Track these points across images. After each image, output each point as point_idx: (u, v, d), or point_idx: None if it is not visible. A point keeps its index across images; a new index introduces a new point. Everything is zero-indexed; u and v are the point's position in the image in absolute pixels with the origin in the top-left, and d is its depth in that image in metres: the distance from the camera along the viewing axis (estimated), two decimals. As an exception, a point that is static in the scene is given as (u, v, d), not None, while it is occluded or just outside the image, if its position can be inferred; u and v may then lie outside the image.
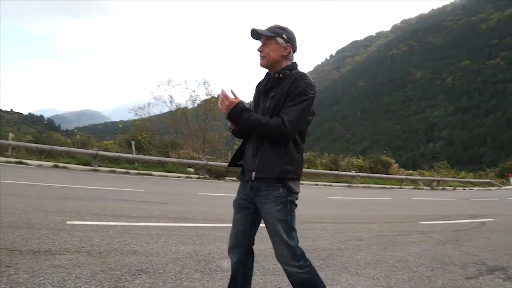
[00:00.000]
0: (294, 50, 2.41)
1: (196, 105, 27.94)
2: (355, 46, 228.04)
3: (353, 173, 21.78)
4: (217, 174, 17.24)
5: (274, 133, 2.18)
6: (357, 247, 5.30)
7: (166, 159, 17.28)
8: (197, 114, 27.49)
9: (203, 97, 27.53)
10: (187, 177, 16.22)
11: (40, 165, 14.05)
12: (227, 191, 12.13)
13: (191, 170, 17.65)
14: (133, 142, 17.72)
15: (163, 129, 26.44)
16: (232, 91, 2.26)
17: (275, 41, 2.34)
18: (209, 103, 26.70)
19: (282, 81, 2.31)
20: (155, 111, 27.28)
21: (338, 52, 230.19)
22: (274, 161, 2.24)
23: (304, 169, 20.94)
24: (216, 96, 26.99)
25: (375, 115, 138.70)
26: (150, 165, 17.02)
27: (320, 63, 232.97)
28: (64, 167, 14.40)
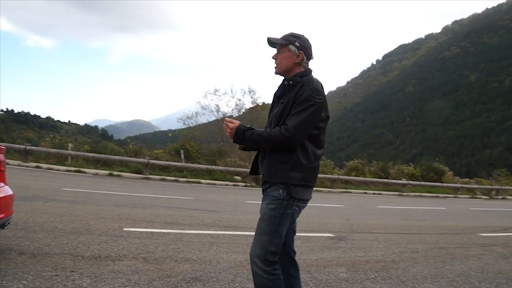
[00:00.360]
0: (309, 58, 2.41)
1: (241, 113, 28.26)
2: (403, 50, 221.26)
3: (403, 181, 21.00)
4: (264, 182, 17.25)
5: (277, 142, 2.22)
6: (412, 260, 5.09)
7: (214, 167, 17.59)
8: (243, 122, 27.74)
9: (249, 105, 27.80)
10: (234, 185, 16.40)
11: (96, 173, 14.77)
12: (275, 199, 12.15)
13: (238, 178, 17.83)
14: (182, 151, 18.21)
15: (210, 137, 26.97)
16: (230, 119, 2.37)
17: (288, 49, 2.36)
18: (254, 111, 26.91)
19: (292, 88, 2.33)
20: (202, 120, 27.90)
21: (385, 56, 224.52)
22: (278, 167, 2.28)
23: (351, 177, 20.68)
24: (261, 104, 27.19)
25: (425, 120, 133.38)
26: (199, 173, 17.39)
27: (366, 69, 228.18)
28: (118, 175, 15.04)
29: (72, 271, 3.41)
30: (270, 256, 2.24)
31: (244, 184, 16.77)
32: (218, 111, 27.37)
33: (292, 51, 2.36)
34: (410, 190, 21.03)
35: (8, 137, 19.00)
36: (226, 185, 16.19)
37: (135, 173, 15.92)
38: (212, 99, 27.28)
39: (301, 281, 2.57)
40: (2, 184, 3.57)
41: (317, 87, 2.28)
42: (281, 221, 2.27)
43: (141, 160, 16.32)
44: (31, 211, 5.83)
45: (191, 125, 26.82)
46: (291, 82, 2.35)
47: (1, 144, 3.41)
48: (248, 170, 16.97)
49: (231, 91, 27.81)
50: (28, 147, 15.43)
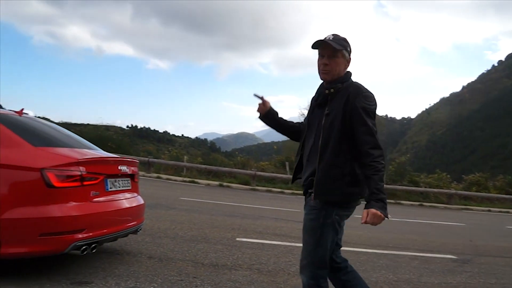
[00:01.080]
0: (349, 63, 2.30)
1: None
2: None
3: (538, 198, 18.30)
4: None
5: (383, 165, 2.07)
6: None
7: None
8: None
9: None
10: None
11: (208, 184, 15.73)
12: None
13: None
14: (287, 163, 18.44)
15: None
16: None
17: (342, 54, 2.21)
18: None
19: (335, 95, 2.19)
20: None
21: (508, 57, 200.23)
22: (335, 184, 2.13)
23: (473, 193, 18.69)
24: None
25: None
26: (304, 186, 17.38)
27: (485, 71, 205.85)
28: (228, 186, 15.80)
29: (194, 277, 3.64)
30: (316, 268, 2.20)
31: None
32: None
33: (345, 57, 2.24)
34: (547, 209, 18.22)
35: (133, 150, 21.29)
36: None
37: (243, 184, 16.56)
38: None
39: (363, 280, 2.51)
40: (136, 194, 3.99)
41: (368, 94, 2.17)
42: (322, 232, 2.18)
43: (249, 171, 16.93)
44: (155, 218, 6.41)
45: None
46: (332, 90, 2.21)
47: (129, 156, 3.85)
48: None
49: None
50: (150, 159, 17.11)
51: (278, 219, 8.32)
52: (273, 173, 17.87)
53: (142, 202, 4.02)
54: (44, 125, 3.79)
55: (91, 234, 3.10)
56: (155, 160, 17.86)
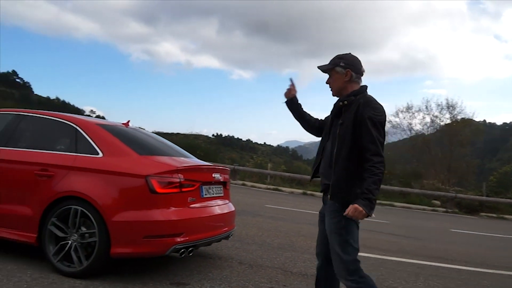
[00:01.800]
0: (358, 72, 2.49)
1: (435, 130, 25.82)
2: None
3: None
4: (468, 209, 15.23)
5: (382, 171, 2.28)
6: None
7: (409, 189, 16.50)
8: (440, 141, 25.32)
9: (446, 121, 25.20)
10: (433, 210, 14.98)
11: (292, 192, 15.75)
12: (486, 229, 10.51)
13: (437, 202, 16.21)
14: (373, 172, 17.73)
15: (402, 157, 25.52)
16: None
17: (335, 71, 2.51)
18: (452, 128, 24.22)
19: (348, 107, 2.42)
20: (393, 139, 26.68)
21: None
22: (347, 186, 2.35)
23: None
24: (459, 119, 24.27)
25: None
26: (391, 196, 16.58)
27: None
28: (311, 195, 15.65)
29: (284, 286, 3.65)
30: (350, 264, 2.36)
31: (444, 209, 15.13)
32: (411, 129, 25.74)
33: (339, 72, 2.48)
34: None
35: (218, 158, 22.15)
36: (423, 209, 14.94)
37: (326, 193, 16.27)
38: (404, 117, 25.84)
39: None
40: (227, 201, 4.13)
41: (377, 106, 2.38)
42: (347, 230, 2.38)
43: (332, 180, 16.62)
44: (243, 224, 6.57)
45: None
46: (345, 102, 2.44)
47: (221, 164, 4.01)
48: (449, 194, 15.22)
49: (426, 108, 25.75)
50: (236, 167, 17.64)
51: (366, 230, 8.01)
52: (358, 182, 17.30)
53: (233, 209, 4.14)
54: (146, 135, 4.12)
55: (188, 238, 3.27)
56: (240, 167, 18.36)
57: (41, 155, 3.51)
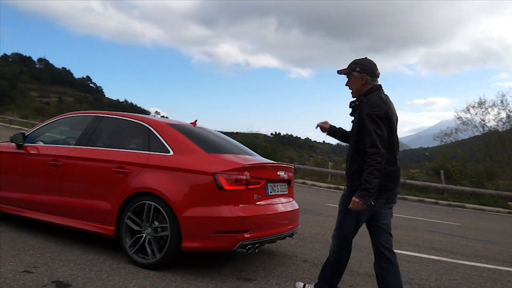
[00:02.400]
0: (374, 76, 2.79)
1: (511, 127, 23.75)
2: None
3: None
4: (551, 212, 13.91)
5: (379, 163, 2.55)
6: None
7: (482, 190, 15.43)
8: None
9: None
10: (509, 213, 13.89)
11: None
12: None
13: (514, 204, 15.00)
14: (441, 171, 16.81)
15: (473, 156, 23.86)
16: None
17: (352, 75, 2.83)
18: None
19: (359, 107, 2.74)
20: (463, 136, 25.00)
21: None
22: (354, 176, 2.75)
23: None
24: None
25: None
26: (462, 196, 15.62)
27: None
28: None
29: (351, 286, 3.60)
30: (341, 241, 2.95)
31: (522, 212, 13.97)
32: (483, 126, 23.99)
33: (356, 76, 2.80)
34: None
35: (278, 156, 22.18)
36: (498, 212, 13.89)
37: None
38: (476, 113, 24.13)
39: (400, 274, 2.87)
40: (291, 199, 4.14)
41: (375, 101, 2.66)
42: (345, 215, 2.81)
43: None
44: (305, 223, 6.54)
45: (447, 142, 24.44)
46: (356, 102, 2.80)
47: (285, 163, 4.01)
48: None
49: (501, 102, 23.82)
50: (296, 165, 17.58)
51: (435, 232, 7.64)
52: (425, 181, 16.51)
53: (297, 207, 4.15)
54: (212, 134, 4.25)
55: (255, 234, 3.34)
56: (301, 166, 18.29)
57: (118, 154, 3.77)
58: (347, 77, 2.89)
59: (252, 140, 21.39)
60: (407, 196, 15.12)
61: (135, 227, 3.49)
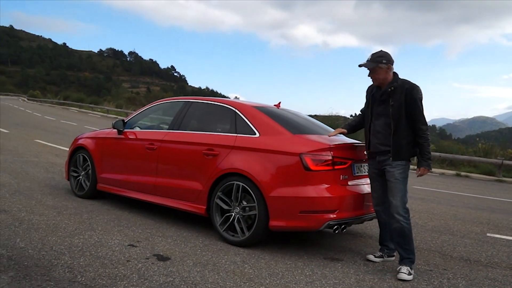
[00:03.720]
0: (393, 64, 3.25)
1: None
2: None
3: None
4: None
5: (429, 139, 3.23)
6: None
7: None
8: None
9: None
10: None
11: (443, 173, 14.45)
12: None
13: None
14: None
15: None
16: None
17: (379, 67, 3.21)
18: None
19: (395, 91, 3.19)
20: None
21: None
22: (405, 149, 3.22)
23: None
24: None
25: None
26: None
27: None
28: (466, 176, 14.13)
29: (445, 269, 3.44)
30: (405, 206, 3.20)
31: None
32: None
33: (383, 67, 3.21)
34: None
35: (360, 137, 21.42)
36: None
37: (485, 174, 14.49)
38: None
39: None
40: None
41: (419, 88, 3.20)
42: (406, 181, 3.29)
43: (494, 160, 14.66)
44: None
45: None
46: (392, 88, 3.21)
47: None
48: None
49: None
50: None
51: (505, 211, 6.94)
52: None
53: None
54: (296, 115, 4.28)
55: (342, 214, 3.33)
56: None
57: (207, 137, 3.97)
58: (371, 69, 3.25)
59: (332, 122, 21.01)
60: (504, 178, 13.84)
61: (225, 206, 3.67)
